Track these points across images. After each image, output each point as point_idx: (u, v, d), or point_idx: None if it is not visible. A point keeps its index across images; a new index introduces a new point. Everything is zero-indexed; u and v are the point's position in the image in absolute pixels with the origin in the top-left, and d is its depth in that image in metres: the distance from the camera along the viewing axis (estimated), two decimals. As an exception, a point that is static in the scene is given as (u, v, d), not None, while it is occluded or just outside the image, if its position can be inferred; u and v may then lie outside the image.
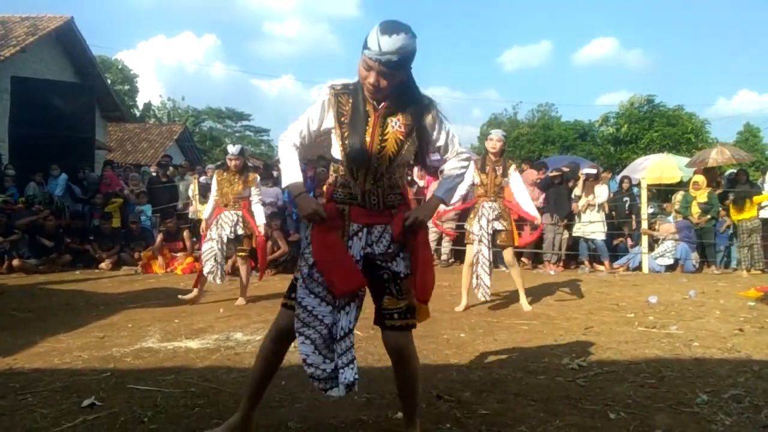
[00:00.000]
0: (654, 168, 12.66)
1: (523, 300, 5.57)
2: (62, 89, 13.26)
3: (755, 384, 3.18)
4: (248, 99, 75.37)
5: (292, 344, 2.23)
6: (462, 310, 5.47)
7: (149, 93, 64.94)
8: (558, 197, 9.66)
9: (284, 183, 2.26)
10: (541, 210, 9.76)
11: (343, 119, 2.15)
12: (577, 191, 9.66)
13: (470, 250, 5.52)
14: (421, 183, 10.64)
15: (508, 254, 5.57)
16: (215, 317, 5.14)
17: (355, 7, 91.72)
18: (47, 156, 10.91)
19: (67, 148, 11.59)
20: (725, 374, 3.37)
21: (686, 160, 13.51)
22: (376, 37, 1.99)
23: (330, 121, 2.19)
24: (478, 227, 5.42)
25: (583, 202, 9.45)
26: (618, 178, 12.09)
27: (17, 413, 2.73)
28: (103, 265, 9.20)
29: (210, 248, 5.72)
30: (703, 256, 9.42)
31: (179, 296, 5.94)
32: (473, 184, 5.58)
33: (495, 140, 5.45)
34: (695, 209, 9.42)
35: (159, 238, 9.30)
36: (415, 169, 12.30)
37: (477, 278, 5.39)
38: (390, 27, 1.99)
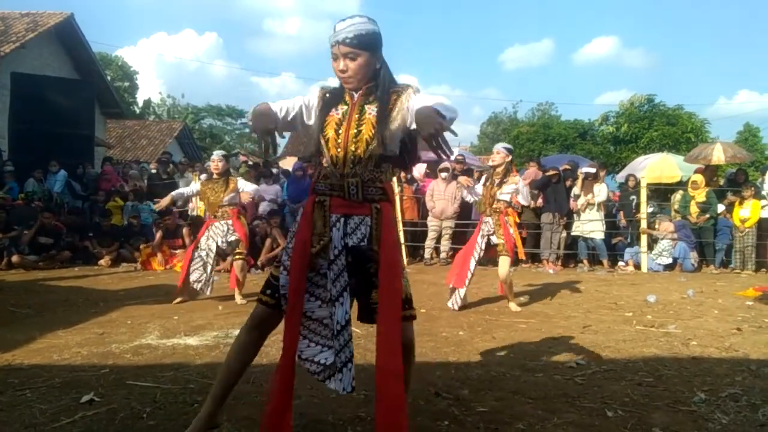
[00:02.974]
0: (654, 167, 12.67)
1: (511, 303, 5.56)
2: (62, 86, 13.25)
3: (752, 383, 3.20)
4: (248, 96, 75.33)
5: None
6: (457, 309, 5.47)
7: (149, 90, 64.84)
8: (557, 196, 9.67)
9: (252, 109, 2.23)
10: (541, 209, 9.82)
11: (325, 110, 2.25)
12: (576, 190, 9.66)
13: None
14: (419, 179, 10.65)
15: (504, 266, 5.37)
16: (214, 314, 5.15)
17: (356, 5, 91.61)
18: (46, 152, 10.90)
19: (66, 145, 11.59)
20: (723, 373, 3.38)
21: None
22: (333, 28, 2.16)
23: (313, 119, 2.27)
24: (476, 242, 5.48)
25: (582, 201, 9.46)
26: (618, 177, 12.09)
27: (16, 409, 2.73)
28: (102, 261, 9.20)
29: (199, 258, 5.74)
30: (702, 256, 9.44)
31: (174, 302, 5.88)
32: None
33: (494, 153, 5.49)
34: (694, 209, 9.44)
35: (158, 235, 9.30)
36: (416, 167, 12.35)
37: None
38: (345, 17, 2.17)
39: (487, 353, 3.84)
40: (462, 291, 5.40)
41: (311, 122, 2.29)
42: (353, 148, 2.17)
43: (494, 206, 5.43)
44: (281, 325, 2.20)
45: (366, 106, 2.21)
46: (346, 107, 2.23)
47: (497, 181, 5.42)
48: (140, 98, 40.82)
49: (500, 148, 5.50)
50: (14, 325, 4.68)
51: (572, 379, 3.24)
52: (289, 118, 2.24)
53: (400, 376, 2.02)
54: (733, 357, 3.78)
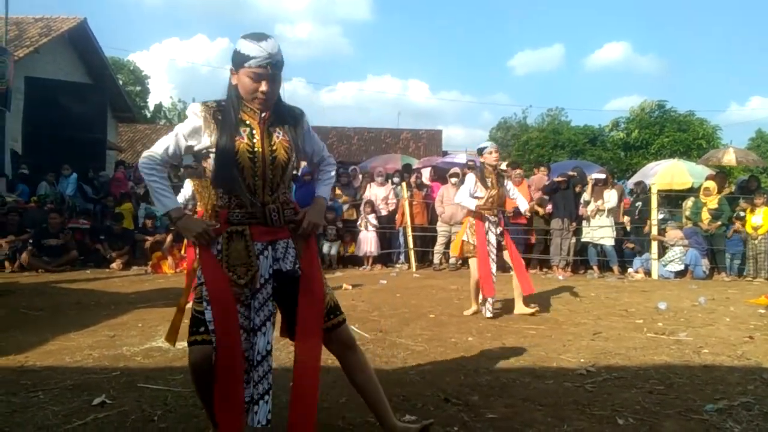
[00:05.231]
0: (665, 174, 12.59)
1: (519, 305, 5.52)
2: (75, 90, 13.39)
3: (765, 392, 3.16)
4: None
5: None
6: (470, 314, 5.46)
7: (161, 94, 65.50)
8: (565, 202, 9.64)
9: (161, 210, 2.18)
10: (550, 216, 9.78)
11: (227, 135, 2.10)
12: (586, 196, 9.62)
13: (475, 264, 5.46)
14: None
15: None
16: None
17: (368, 11, 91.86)
18: (59, 156, 11.01)
19: (78, 148, 11.72)
20: (735, 382, 3.35)
21: (697, 166, 13.43)
22: (254, 46, 2.05)
23: (207, 140, 2.14)
24: (487, 243, 5.39)
25: (592, 207, 9.42)
26: (629, 183, 11.99)
27: (29, 410, 2.76)
28: (113, 265, 9.27)
29: None
30: (714, 263, 9.36)
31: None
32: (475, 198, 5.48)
33: (495, 152, 5.43)
34: (705, 215, 9.37)
35: (169, 238, 9.35)
36: (425, 170, 12.37)
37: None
38: (260, 34, 2.09)
39: (496, 359, 3.83)
40: (491, 299, 5.33)
41: (199, 144, 2.16)
42: (271, 176, 2.15)
43: (501, 205, 5.52)
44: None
45: (271, 129, 2.17)
46: (249, 129, 2.13)
47: (500, 180, 5.49)
48: (151, 102, 41.17)
49: (496, 145, 5.56)
50: (27, 327, 4.72)
51: (582, 387, 3.22)
52: (178, 158, 2.20)
53: (315, 388, 2.15)
54: (746, 365, 3.75)
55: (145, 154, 2.19)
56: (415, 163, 14.71)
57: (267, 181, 2.14)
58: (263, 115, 2.15)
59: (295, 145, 2.21)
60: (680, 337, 4.54)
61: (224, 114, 2.13)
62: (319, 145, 2.39)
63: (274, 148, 2.14)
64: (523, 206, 5.87)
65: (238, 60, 2.08)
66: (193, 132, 2.15)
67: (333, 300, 2.28)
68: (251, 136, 2.12)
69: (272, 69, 2.07)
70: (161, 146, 2.17)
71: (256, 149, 2.11)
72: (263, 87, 2.08)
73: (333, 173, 2.48)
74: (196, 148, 2.18)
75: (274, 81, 2.10)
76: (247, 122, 2.14)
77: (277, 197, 2.18)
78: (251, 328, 2.12)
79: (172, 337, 2.38)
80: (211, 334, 2.08)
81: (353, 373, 2.30)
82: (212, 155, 2.13)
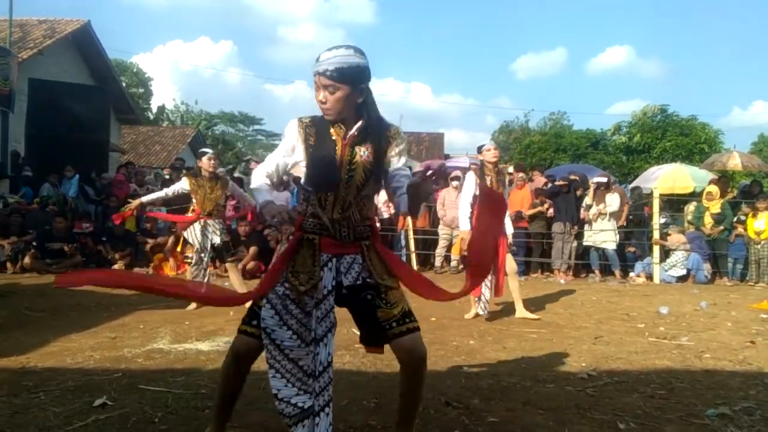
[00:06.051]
0: (666, 178, 12.58)
1: (521, 309, 5.52)
2: (78, 92, 13.42)
3: (766, 397, 3.16)
4: (261, 104, 75.67)
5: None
6: (471, 318, 5.46)
7: (164, 96, 65.71)
8: (567, 205, 9.64)
9: (258, 206, 2.25)
10: (552, 219, 9.78)
11: (310, 149, 2.13)
12: (587, 200, 9.62)
13: None
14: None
15: (510, 262, 5.54)
16: (225, 320, 5.17)
17: (371, 14, 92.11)
18: (62, 157, 11.03)
19: (81, 150, 11.73)
20: (736, 386, 3.35)
21: (700, 170, 13.41)
22: (317, 57, 2.07)
23: (300, 154, 2.18)
24: None
25: (594, 210, 9.41)
26: (630, 187, 11.99)
27: (30, 411, 2.76)
28: (115, 266, 9.26)
29: (199, 260, 5.82)
30: (716, 267, 9.35)
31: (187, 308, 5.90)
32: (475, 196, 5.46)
33: (494, 149, 5.41)
34: (708, 220, 9.36)
35: (170, 240, 9.36)
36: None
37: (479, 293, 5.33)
38: (333, 46, 2.08)
39: (497, 363, 3.83)
40: (488, 295, 5.31)
41: (294, 159, 2.22)
42: (344, 194, 2.11)
43: None
44: None
45: (357, 147, 2.12)
46: (333, 145, 2.11)
47: (500, 178, 5.46)
48: (154, 105, 41.25)
49: (494, 143, 5.56)
50: (28, 328, 4.73)
51: (584, 391, 3.22)
52: (282, 174, 2.25)
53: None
54: (747, 370, 3.75)
55: (257, 167, 2.32)
56: (417, 167, 14.72)
57: (339, 199, 2.11)
58: (350, 133, 2.11)
59: (377, 166, 2.15)
60: (682, 342, 4.54)
61: (320, 125, 2.15)
62: (398, 170, 2.23)
63: (354, 167, 2.10)
64: (508, 231, 5.73)
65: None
66: (288, 149, 2.21)
67: (408, 306, 2.20)
68: (333, 150, 2.11)
69: (324, 78, 2.03)
70: (269, 161, 2.28)
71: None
72: (319, 96, 2.07)
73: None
74: (291, 163, 2.23)
75: (327, 89, 2.05)
76: (333, 138, 2.12)
77: (350, 215, 2.14)
78: (313, 339, 2.08)
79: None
80: (260, 329, 2.09)
81: (407, 380, 2.22)
82: (302, 164, 2.18)
